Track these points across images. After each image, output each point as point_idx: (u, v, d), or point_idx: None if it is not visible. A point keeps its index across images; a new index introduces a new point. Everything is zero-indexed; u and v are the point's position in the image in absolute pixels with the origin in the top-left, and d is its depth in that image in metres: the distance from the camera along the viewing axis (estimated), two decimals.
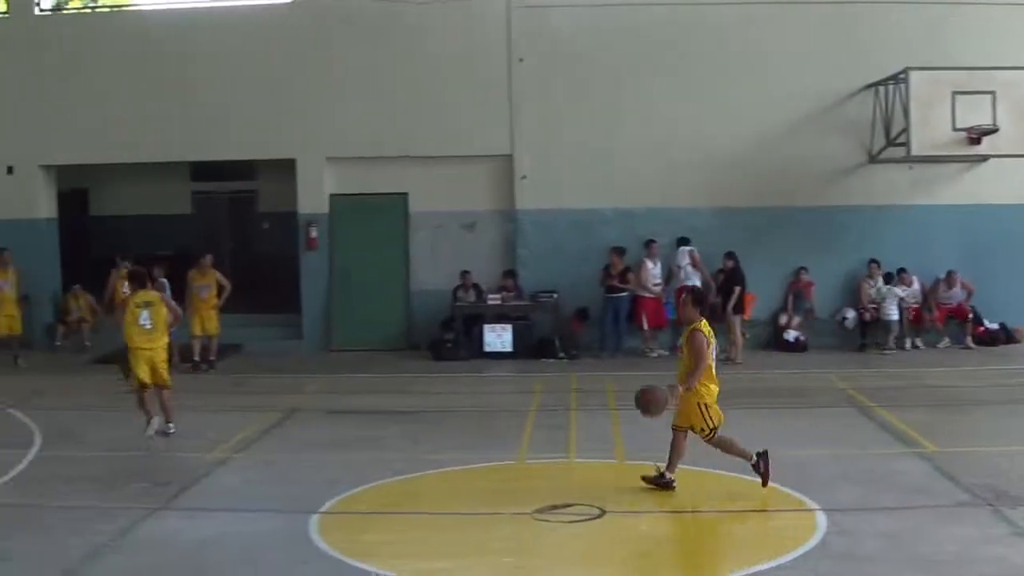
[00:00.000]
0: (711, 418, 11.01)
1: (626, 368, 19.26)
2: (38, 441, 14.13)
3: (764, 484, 10.99)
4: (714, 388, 11.10)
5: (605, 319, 20.99)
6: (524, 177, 22.04)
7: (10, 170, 23.03)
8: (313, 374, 19.24)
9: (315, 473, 12.46)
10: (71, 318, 22.85)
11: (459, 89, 21.95)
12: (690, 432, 11.14)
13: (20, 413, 16.04)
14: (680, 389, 10.89)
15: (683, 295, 11.86)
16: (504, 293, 21.50)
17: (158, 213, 26.28)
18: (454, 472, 12.37)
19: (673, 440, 11.20)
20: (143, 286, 14.56)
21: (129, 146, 22.63)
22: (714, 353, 11.14)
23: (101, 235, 26.40)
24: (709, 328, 11.23)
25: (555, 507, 10.70)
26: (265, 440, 14.28)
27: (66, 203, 24.61)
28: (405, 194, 22.36)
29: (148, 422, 14.05)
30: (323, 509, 10.87)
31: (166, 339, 14.52)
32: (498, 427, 14.76)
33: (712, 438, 11.10)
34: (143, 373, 14.11)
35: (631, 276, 20.99)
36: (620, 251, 21.00)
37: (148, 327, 14.13)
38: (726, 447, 11.16)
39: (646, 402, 10.93)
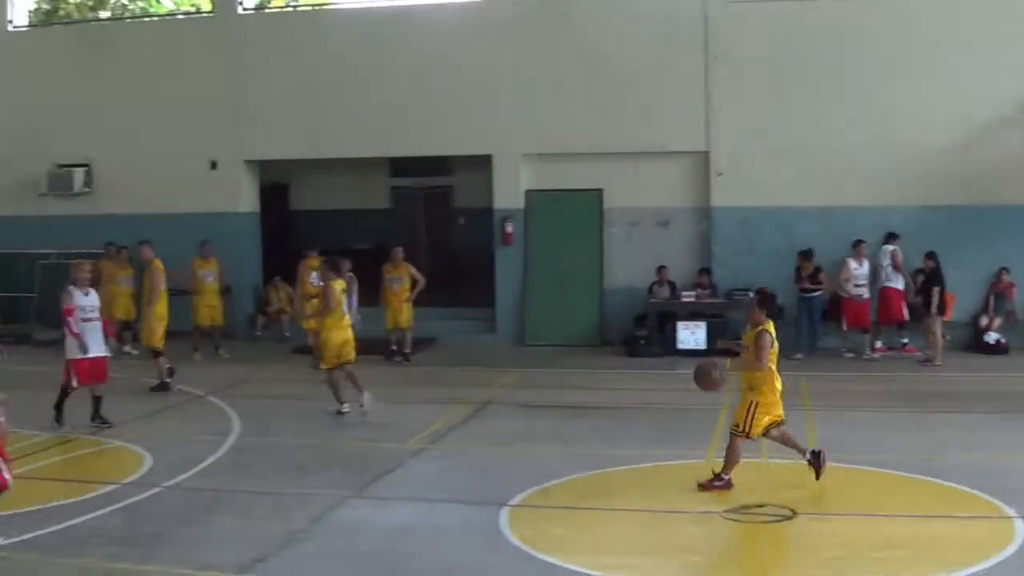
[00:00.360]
0: (750, 423, 11.07)
1: (821, 368, 18.85)
2: (237, 428, 14.53)
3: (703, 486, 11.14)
4: (771, 396, 11.17)
5: (800, 319, 20.55)
6: (720, 174, 21.72)
7: (214, 165, 23.77)
8: (506, 368, 19.33)
9: (506, 466, 12.50)
10: (271, 309, 23.46)
11: (655, 86, 21.74)
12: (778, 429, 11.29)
13: (220, 401, 16.54)
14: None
15: (756, 297, 12.11)
16: (698, 290, 21.25)
17: (356, 208, 26.83)
18: (644, 469, 12.26)
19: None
20: (339, 274, 15.59)
21: (329, 142, 23.13)
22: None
23: (301, 229, 27.06)
24: (774, 331, 11.32)
25: (745, 507, 10.51)
26: (458, 432, 14.39)
27: (268, 197, 25.28)
28: (600, 190, 22.27)
29: (361, 399, 15.20)
30: (513, 502, 10.88)
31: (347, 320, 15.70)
32: (689, 425, 14.56)
33: (737, 435, 11.16)
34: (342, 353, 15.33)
35: (823, 276, 20.51)
36: (806, 254, 20.53)
37: (346, 311, 15.33)
38: (731, 454, 11.17)
39: (699, 378, 11.40)
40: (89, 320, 14.81)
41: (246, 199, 24.10)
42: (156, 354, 17.43)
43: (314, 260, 19.54)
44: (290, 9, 24.99)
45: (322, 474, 12.21)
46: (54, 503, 10.49)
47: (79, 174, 24.25)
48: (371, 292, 20.15)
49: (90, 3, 29.19)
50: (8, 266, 24.37)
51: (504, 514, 10.46)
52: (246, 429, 14.50)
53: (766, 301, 11.58)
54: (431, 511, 10.78)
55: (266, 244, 24.63)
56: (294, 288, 21.26)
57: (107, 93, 24.26)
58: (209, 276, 21.28)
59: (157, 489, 11.62)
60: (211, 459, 12.92)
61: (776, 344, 11.25)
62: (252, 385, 17.98)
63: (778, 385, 11.24)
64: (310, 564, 9.30)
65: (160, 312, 17.54)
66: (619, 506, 10.80)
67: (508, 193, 22.53)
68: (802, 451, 11.36)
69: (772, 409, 11.16)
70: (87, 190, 24.39)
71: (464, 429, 14.53)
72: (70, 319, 14.69)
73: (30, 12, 27.29)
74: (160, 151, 23.75)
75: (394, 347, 20.44)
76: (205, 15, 24.41)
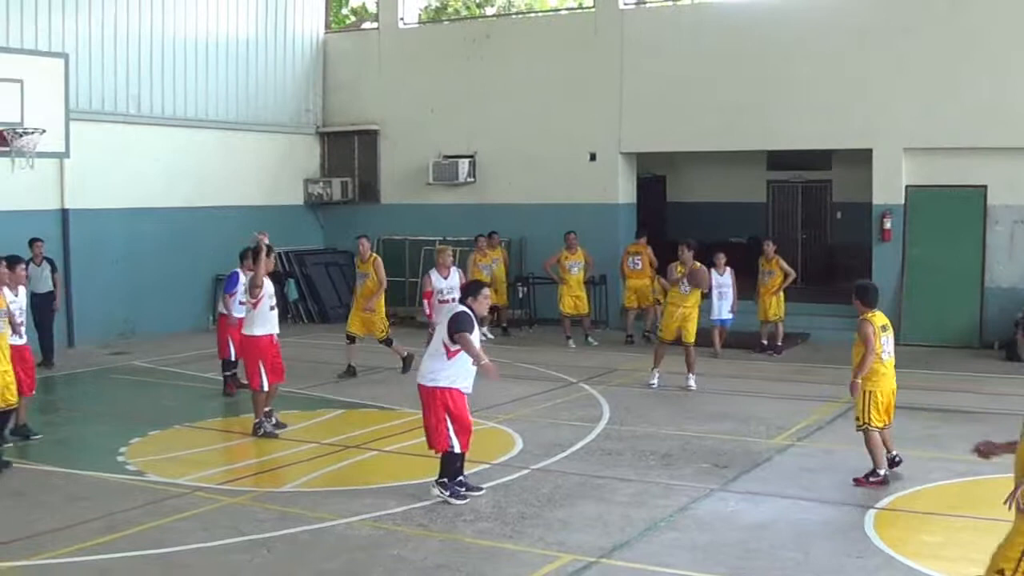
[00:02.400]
0: (868, 411, 11.36)
1: None
2: (606, 415, 14.79)
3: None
4: (884, 382, 11.40)
5: None
6: None
7: (593, 157, 24.18)
8: None
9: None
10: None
11: None
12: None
13: (591, 388, 16.88)
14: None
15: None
16: None
17: (732, 201, 26.72)
18: None
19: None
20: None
21: (707, 135, 23.10)
22: (888, 346, 11.23)
23: (677, 220, 27.21)
24: (883, 319, 11.47)
25: None
26: (826, 430, 14.10)
27: (644, 189, 25.51)
28: (984, 186, 21.21)
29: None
30: (880, 505, 10.61)
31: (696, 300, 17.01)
32: None
33: (863, 429, 11.45)
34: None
35: None
36: None
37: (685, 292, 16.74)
38: (872, 446, 11.38)
39: None
40: (445, 302, 15.83)
41: (623, 191, 24.39)
42: (352, 340, 18.10)
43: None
44: (670, 3, 25.10)
45: (687, 465, 12.26)
46: (428, 479, 10.98)
47: (464, 165, 25.27)
48: (747, 285, 20.21)
49: (477, 1, 30.39)
50: (396, 252, 25.73)
51: (870, 516, 10.21)
52: (615, 417, 14.73)
53: (859, 291, 11.64)
54: (794, 508, 10.63)
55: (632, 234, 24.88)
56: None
57: (491, 87, 25.19)
58: (575, 267, 21.62)
59: (526, 471, 12.00)
60: (579, 444, 13.22)
61: (883, 332, 11.38)
62: (622, 374, 18.22)
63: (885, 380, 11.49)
64: (669, 553, 9.35)
65: (381, 303, 18.09)
66: (988, 515, 10.29)
67: (888, 188, 21.80)
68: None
69: (886, 395, 11.51)
70: (471, 180, 25.38)
71: (831, 428, 14.21)
72: (427, 301, 16.73)
73: (420, 10, 28.68)
74: (541, 143, 24.45)
75: (764, 341, 20.27)
76: (587, 10, 24.88)
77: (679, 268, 16.98)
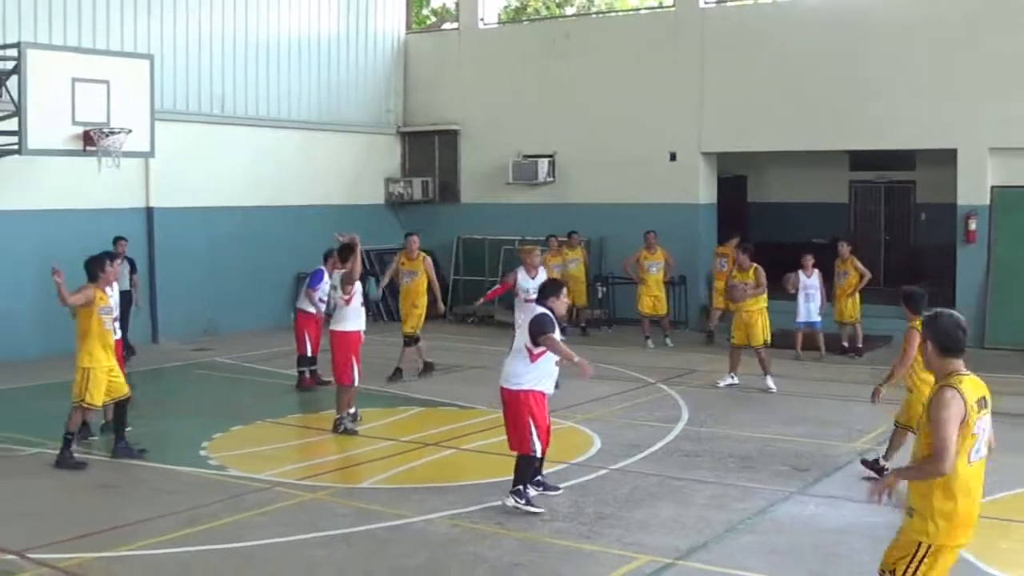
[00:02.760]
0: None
1: None
2: (685, 416, 14.73)
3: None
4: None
5: None
6: None
7: (673, 157, 24.10)
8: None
9: None
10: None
11: None
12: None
13: (670, 389, 16.82)
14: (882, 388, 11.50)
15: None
16: None
17: (813, 201, 26.48)
18: None
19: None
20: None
21: (788, 134, 22.92)
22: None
23: (758, 221, 27.02)
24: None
25: None
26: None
27: (725, 189, 25.37)
28: None
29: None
30: None
31: (760, 304, 16.85)
32: None
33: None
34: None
35: None
36: None
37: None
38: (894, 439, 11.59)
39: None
40: (531, 301, 15.60)
41: (704, 190, 24.28)
42: (416, 341, 17.88)
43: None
44: (751, 2, 24.93)
45: (766, 468, 12.18)
46: (506, 477, 11.00)
47: (543, 164, 25.29)
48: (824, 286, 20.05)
49: (556, 0, 30.41)
50: (476, 251, 25.83)
51: None
52: (693, 418, 14.67)
53: (906, 298, 11.66)
54: (874, 513, 10.44)
55: (722, 236, 24.71)
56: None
57: (571, 87, 25.18)
58: (654, 266, 21.53)
59: (604, 471, 11.99)
60: (657, 445, 13.18)
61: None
62: (701, 375, 18.13)
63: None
64: (747, 556, 9.30)
65: (426, 301, 17.91)
66: None
67: (973, 188, 21.44)
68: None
69: None
70: (550, 180, 25.40)
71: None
72: (496, 291, 17.08)
73: (500, 10, 28.77)
74: (621, 143, 24.41)
75: (845, 343, 20.08)
76: (667, 9, 24.79)
77: (736, 273, 17.14)
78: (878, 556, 9.15)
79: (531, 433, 10.48)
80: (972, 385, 6.54)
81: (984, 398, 6.71)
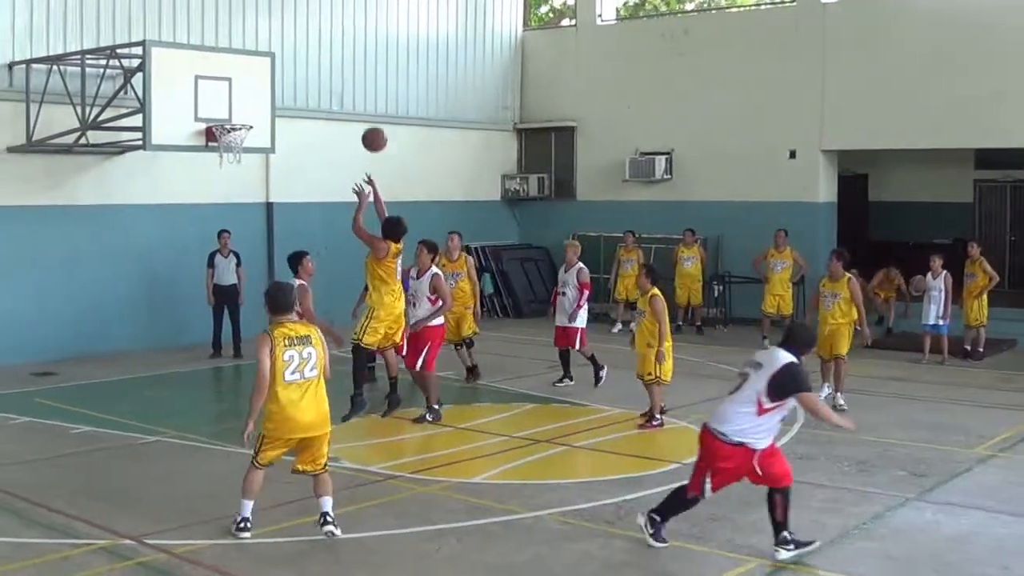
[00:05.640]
0: None
1: None
2: (800, 419, 14.49)
3: None
4: None
5: None
6: None
7: (792, 154, 23.80)
8: None
9: None
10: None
11: None
12: None
13: None
14: None
15: None
16: None
17: (937, 200, 25.97)
18: None
19: None
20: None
21: (911, 132, 22.47)
22: None
23: (879, 220, 26.60)
24: None
25: None
26: None
27: (846, 187, 24.97)
28: None
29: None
30: None
31: (853, 315, 15.34)
32: None
33: None
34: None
35: None
36: None
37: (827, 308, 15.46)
38: None
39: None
40: (562, 295, 16.79)
41: (824, 189, 23.94)
42: (470, 344, 17.47)
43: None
44: None
45: (883, 473, 11.97)
46: (617, 476, 10.98)
47: (660, 161, 25.15)
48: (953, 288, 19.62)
49: None
50: (591, 248, 25.71)
51: None
52: (809, 421, 14.38)
53: None
54: (994, 522, 10.25)
55: (842, 235, 24.38)
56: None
57: (689, 83, 25.02)
58: (779, 265, 21.28)
59: None
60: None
61: None
62: (818, 376, 17.80)
63: None
64: (861, 561, 9.14)
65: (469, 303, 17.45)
66: None
67: None
68: None
69: None
70: (667, 177, 25.25)
71: None
72: (586, 292, 16.69)
73: (618, 7, 28.69)
74: (739, 140, 24.19)
75: (967, 346, 19.64)
76: (788, 5, 24.48)
77: (825, 282, 15.57)
78: (997, 566, 9.00)
79: (704, 476, 9.22)
80: None
81: None
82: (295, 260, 14.27)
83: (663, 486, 11.09)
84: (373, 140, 15.21)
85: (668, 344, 13.87)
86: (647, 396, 14.17)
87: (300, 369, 9.35)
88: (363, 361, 14.48)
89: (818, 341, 14.53)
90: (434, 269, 14.67)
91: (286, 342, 9.29)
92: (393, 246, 14.09)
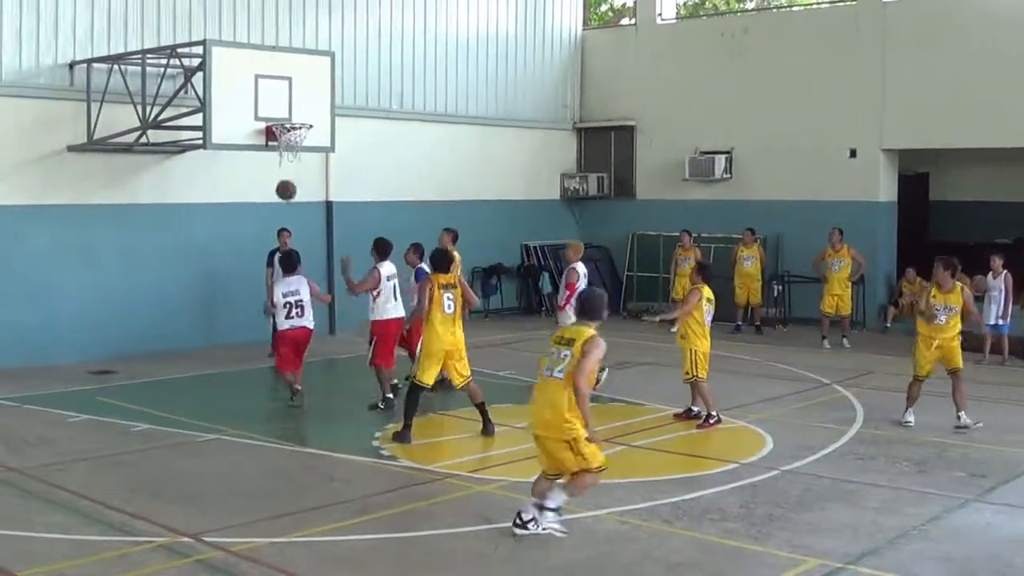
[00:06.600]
0: None
1: None
2: (859, 419, 14.46)
3: None
4: None
5: None
6: None
7: (853, 153, 23.65)
8: None
9: None
10: (903, 300, 22.82)
11: None
12: None
13: (846, 390, 16.52)
14: None
15: None
16: None
17: (998, 200, 25.66)
18: None
19: None
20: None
21: (974, 131, 22.28)
22: None
23: (940, 220, 26.34)
24: None
25: None
26: None
27: (906, 186, 24.78)
28: None
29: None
30: None
31: (958, 327, 14.02)
32: None
33: None
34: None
35: None
36: None
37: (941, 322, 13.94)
38: None
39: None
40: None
41: (884, 188, 23.77)
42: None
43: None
44: None
45: (944, 473, 11.90)
46: (675, 476, 10.98)
47: (720, 160, 25.08)
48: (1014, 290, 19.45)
49: None
50: (650, 247, 25.74)
51: None
52: (869, 420, 14.39)
53: None
54: None
55: (903, 235, 24.17)
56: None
57: (749, 82, 24.94)
58: (836, 264, 21.16)
59: (775, 472, 11.84)
60: (831, 447, 12.98)
61: None
62: (879, 377, 17.75)
63: None
64: (919, 563, 9.08)
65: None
66: None
67: None
68: None
69: None
70: (727, 176, 25.18)
71: None
72: (569, 292, 16.29)
73: (678, 5, 28.63)
74: (799, 139, 24.10)
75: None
76: (848, 4, 24.32)
77: (935, 293, 13.94)
78: None
79: None
80: None
81: None
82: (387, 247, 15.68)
83: (721, 486, 11.14)
84: (284, 190, 17.03)
85: (682, 324, 14.21)
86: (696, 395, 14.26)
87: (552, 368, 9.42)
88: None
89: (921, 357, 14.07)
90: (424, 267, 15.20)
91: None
92: (441, 278, 13.49)
